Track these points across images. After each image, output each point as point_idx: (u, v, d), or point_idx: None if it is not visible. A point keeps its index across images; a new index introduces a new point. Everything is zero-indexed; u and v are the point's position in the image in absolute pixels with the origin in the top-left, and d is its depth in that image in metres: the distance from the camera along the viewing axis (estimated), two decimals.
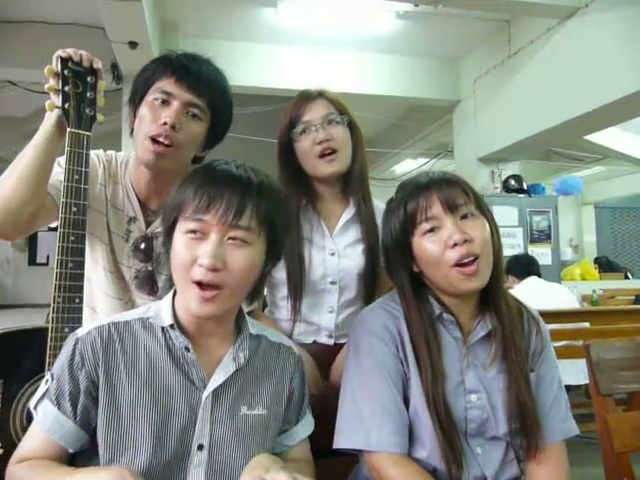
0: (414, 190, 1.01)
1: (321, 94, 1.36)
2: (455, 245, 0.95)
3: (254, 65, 5.09)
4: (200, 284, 0.82)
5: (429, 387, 0.96)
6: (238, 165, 0.89)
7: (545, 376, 1.05)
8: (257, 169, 0.91)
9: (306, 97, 1.36)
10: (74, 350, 0.85)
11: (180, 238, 0.84)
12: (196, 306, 0.83)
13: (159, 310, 0.91)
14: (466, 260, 0.95)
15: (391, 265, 1.07)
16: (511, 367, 0.99)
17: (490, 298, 1.03)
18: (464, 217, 0.98)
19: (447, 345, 1.01)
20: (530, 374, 1.02)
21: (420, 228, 0.99)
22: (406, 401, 1.00)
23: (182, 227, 0.84)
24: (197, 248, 0.82)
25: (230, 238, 0.83)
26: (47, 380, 0.86)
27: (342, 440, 0.99)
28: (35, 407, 0.85)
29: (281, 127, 1.37)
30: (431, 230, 0.98)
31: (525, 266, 3.56)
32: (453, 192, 0.98)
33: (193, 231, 0.83)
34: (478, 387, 1.00)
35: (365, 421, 0.97)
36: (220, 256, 0.81)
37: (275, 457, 0.88)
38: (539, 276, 3.55)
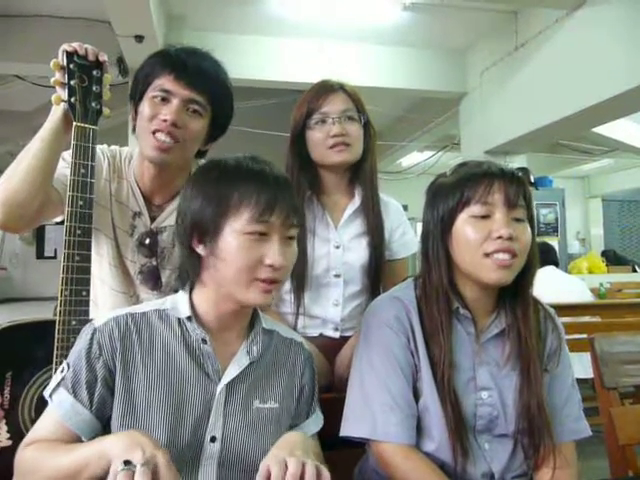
0: (479, 173, 0.99)
1: (342, 87, 1.36)
2: (499, 238, 0.94)
3: (259, 58, 5.06)
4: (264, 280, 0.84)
5: (440, 379, 0.96)
6: (260, 160, 0.89)
7: (559, 375, 1.04)
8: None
9: (326, 88, 1.35)
10: (92, 340, 0.86)
11: (237, 239, 0.83)
12: (257, 299, 0.86)
13: (175, 303, 0.92)
14: (502, 256, 0.94)
15: (427, 240, 1.03)
16: (525, 369, 0.99)
17: (508, 297, 1.02)
18: (516, 219, 0.97)
19: (460, 340, 1.01)
20: (544, 374, 1.01)
21: (471, 210, 0.97)
22: (416, 393, 1.00)
23: (239, 228, 0.83)
24: (261, 248, 0.84)
25: (288, 237, 0.87)
26: (63, 369, 0.86)
27: (349, 428, 0.99)
28: (50, 395, 0.85)
29: (296, 115, 1.36)
30: (481, 216, 0.96)
31: (542, 254, 3.48)
32: (517, 191, 0.97)
33: (258, 233, 0.83)
34: (489, 384, 1.00)
35: (373, 410, 0.97)
36: (285, 255, 0.85)
37: (306, 438, 0.87)
38: (557, 265, 3.48)
